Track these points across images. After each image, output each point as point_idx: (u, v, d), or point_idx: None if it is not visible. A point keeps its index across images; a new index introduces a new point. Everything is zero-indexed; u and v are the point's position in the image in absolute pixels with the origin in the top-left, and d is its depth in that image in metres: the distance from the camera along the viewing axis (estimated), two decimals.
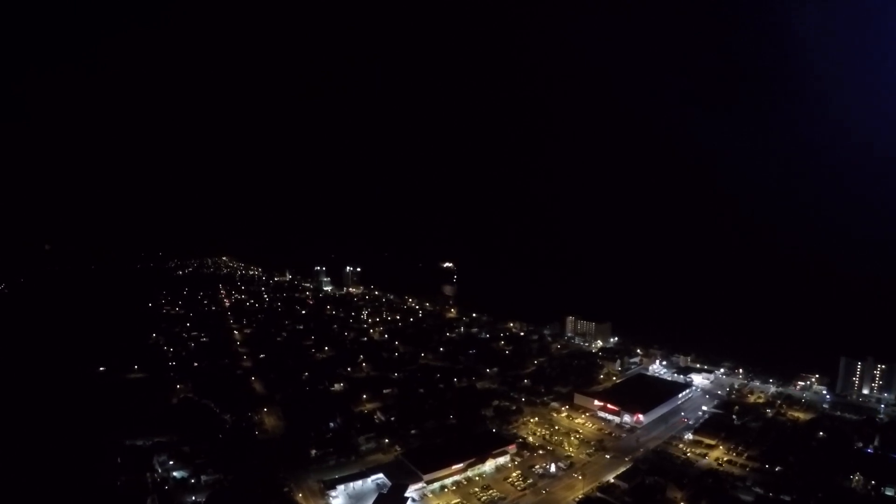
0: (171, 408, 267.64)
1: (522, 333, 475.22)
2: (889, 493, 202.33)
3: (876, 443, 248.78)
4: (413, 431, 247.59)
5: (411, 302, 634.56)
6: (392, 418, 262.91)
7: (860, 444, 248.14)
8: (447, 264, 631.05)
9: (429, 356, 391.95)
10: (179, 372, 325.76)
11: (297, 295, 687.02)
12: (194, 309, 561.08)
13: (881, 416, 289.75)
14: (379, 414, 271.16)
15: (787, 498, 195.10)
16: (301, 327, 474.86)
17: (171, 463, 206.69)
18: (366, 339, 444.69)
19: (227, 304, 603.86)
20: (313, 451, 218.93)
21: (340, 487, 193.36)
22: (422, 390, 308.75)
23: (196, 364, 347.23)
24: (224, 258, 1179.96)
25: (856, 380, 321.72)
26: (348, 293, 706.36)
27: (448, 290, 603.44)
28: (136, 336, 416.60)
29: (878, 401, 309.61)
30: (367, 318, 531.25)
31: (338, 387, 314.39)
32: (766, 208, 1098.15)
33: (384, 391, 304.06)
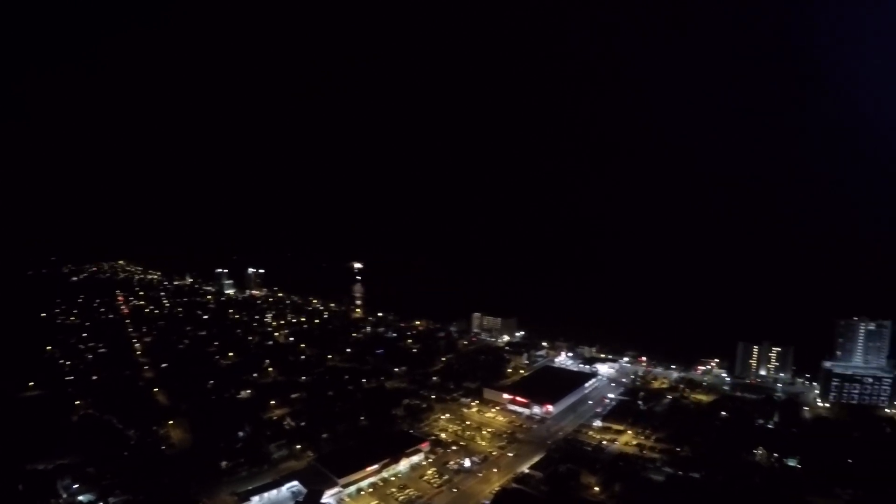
0: (72, 426, 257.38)
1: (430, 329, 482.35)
2: (791, 463, 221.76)
3: (776, 419, 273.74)
4: (325, 435, 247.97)
5: (316, 303, 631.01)
6: (302, 423, 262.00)
7: (761, 421, 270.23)
8: (352, 264, 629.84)
9: (336, 358, 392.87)
10: (78, 387, 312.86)
11: (198, 299, 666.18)
12: (91, 317, 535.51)
13: (779, 394, 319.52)
14: (289, 420, 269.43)
15: (697, 475, 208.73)
16: (204, 333, 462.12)
17: (76, 486, 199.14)
18: (271, 342, 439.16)
19: (126, 312, 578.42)
20: (224, 463, 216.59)
21: (255, 499, 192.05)
22: (331, 393, 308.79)
23: (95, 377, 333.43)
24: (121, 262, 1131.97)
25: (753, 362, 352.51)
26: (251, 296, 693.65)
27: (356, 289, 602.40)
28: (29, 350, 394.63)
29: (775, 381, 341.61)
30: (272, 321, 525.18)
31: (245, 394, 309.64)
32: (662, 199, 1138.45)
33: (292, 396, 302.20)
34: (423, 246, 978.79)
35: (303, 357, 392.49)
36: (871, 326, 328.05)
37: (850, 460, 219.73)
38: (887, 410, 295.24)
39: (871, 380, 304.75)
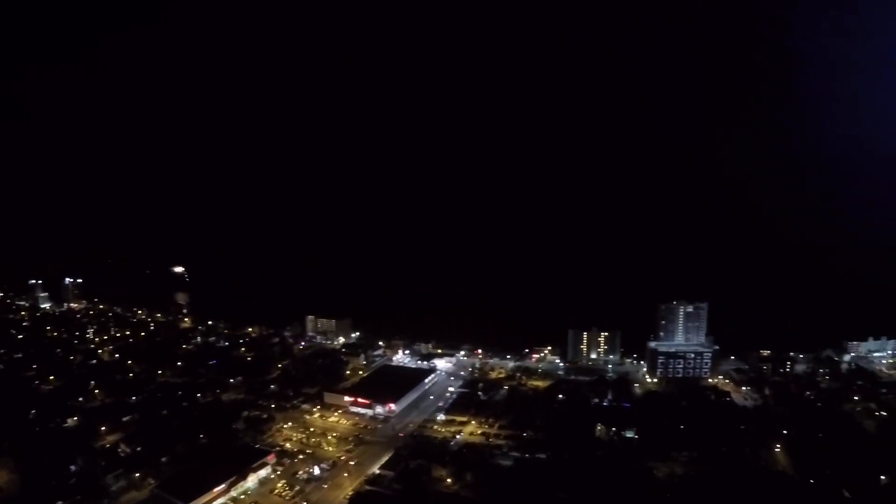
0: None
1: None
2: (629, 435, 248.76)
3: (610, 396, 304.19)
4: (164, 459, 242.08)
5: (141, 314, 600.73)
6: (138, 448, 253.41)
7: (596, 400, 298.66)
8: (176, 268, 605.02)
9: (167, 373, 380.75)
10: None
11: (10, 316, 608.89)
12: None
13: (610, 374, 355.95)
14: (123, 446, 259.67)
15: (543, 456, 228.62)
16: (20, 355, 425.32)
17: None
18: (95, 361, 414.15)
19: None
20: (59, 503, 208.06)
21: None
22: (165, 412, 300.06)
23: None
24: None
25: (583, 347, 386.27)
26: (70, 309, 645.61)
27: (183, 297, 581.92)
28: None
29: (606, 362, 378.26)
30: (94, 337, 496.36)
31: (72, 421, 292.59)
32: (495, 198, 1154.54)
33: (124, 419, 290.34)
34: (250, 246, 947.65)
35: (131, 375, 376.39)
36: (690, 308, 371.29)
37: (681, 426, 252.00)
38: (710, 381, 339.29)
39: (692, 355, 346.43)
